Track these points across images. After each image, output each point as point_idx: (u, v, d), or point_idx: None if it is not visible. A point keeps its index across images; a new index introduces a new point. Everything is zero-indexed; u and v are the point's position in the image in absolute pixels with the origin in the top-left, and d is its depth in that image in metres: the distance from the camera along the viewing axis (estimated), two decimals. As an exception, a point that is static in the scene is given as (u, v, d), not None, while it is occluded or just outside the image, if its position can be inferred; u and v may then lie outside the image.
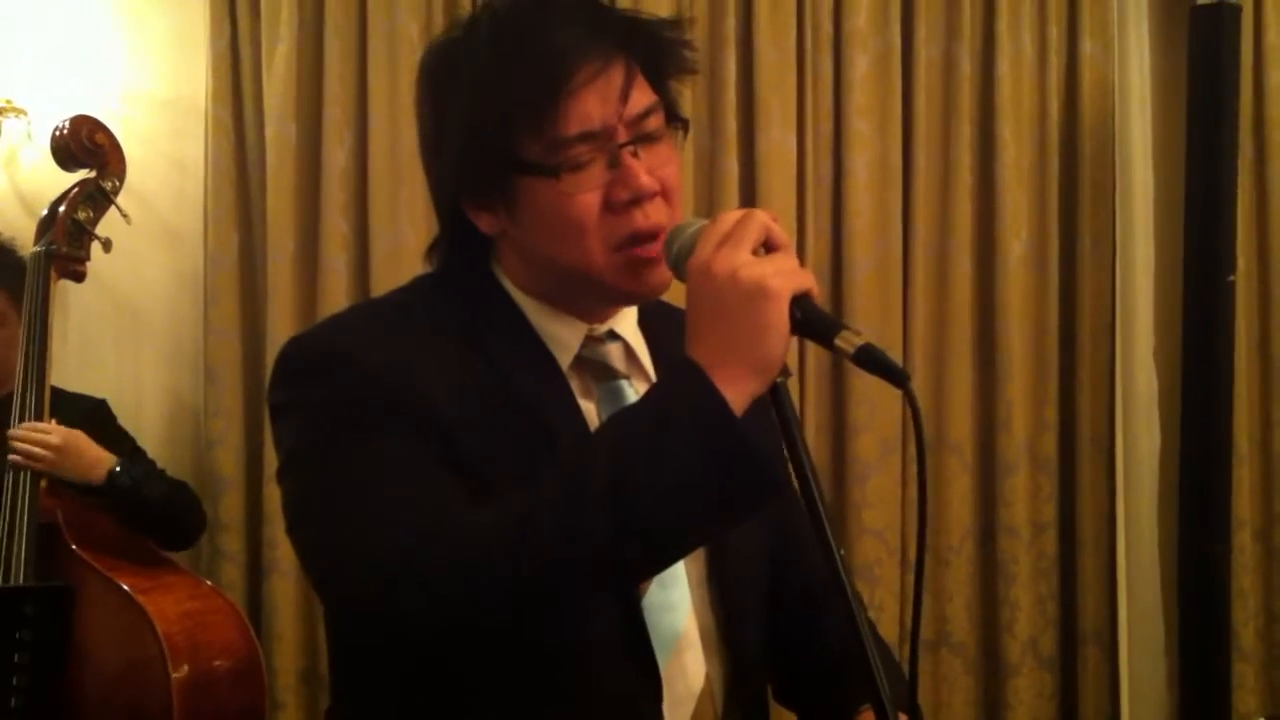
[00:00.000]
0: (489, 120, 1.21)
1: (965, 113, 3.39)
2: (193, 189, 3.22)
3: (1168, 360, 3.45)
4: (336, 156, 3.17)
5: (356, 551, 1.14)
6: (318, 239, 3.18)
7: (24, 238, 3.06)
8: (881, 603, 3.34)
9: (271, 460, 3.10)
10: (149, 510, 2.67)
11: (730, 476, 1.07)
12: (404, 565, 1.10)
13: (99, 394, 2.89)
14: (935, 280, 3.40)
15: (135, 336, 3.24)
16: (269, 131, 3.17)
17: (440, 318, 1.29)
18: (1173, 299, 3.44)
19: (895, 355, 3.29)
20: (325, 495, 1.19)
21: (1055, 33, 3.44)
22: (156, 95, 3.23)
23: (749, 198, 3.32)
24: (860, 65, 3.34)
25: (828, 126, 3.36)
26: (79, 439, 2.61)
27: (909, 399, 1.08)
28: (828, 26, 3.35)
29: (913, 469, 3.37)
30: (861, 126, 3.34)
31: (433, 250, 1.37)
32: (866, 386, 3.33)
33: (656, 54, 1.27)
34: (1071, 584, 3.48)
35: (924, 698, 3.38)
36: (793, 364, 3.26)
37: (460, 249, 1.34)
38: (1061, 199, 3.47)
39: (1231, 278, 3.26)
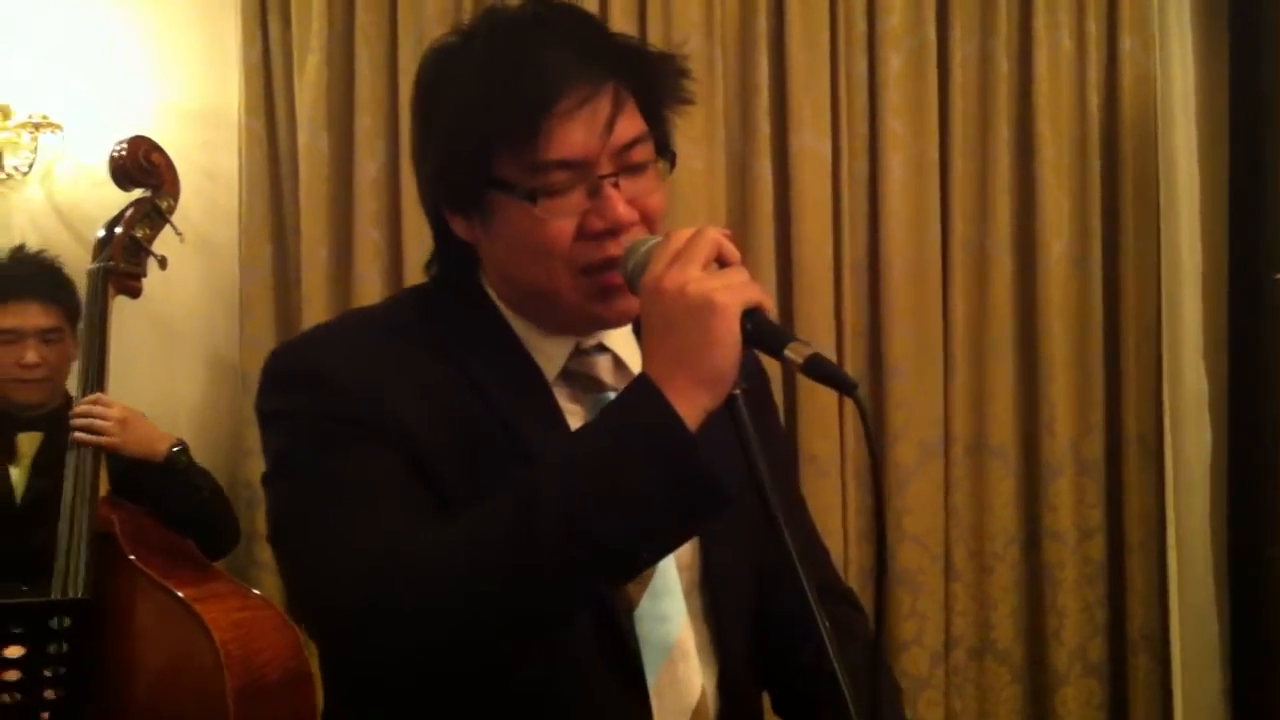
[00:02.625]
0: (471, 134, 1.21)
1: (1003, 111, 3.34)
2: (226, 200, 3.25)
3: (1214, 360, 3.37)
4: (368, 166, 3.18)
5: (319, 573, 1.16)
6: (351, 249, 3.19)
7: (60, 250, 3.11)
8: (925, 610, 3.28)
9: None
10: (198, 498, 2.73)
11: (679, 491, 1.08)
12: (360, 588, 1.11)
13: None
14: (974, 281, 3.35)
15: (171, 348, 3.26)
16: (301, 141, 3.18)
17: (422, 331, 1.28)
18: (1219, 298, 3.36)
19: (935, 357, 3.28)
20: (294, 513, 1.21)
21: (1094, 28, 3.38)
22: (190, 107, 3.26)
23: (782, 201, 3.28)
24: (894, 64, 3.30)
25: (862, 127, 3.32)
26: (139, 415, 2.69)
27: (859, 407, 1.09)
28: (861, 25, 3.31)
29: (955, 473, 3.32)
30: (896, 126, 3.30)
31: (430, 262, 1.38)
32: (905, 391, 3.28)
33: (651, 83, 1.26)
34: (1120, 590, 3.41)
35: (968, 706, 3.32)
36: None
37: (450, 260, 1.34)
38: (1104, 197, 3.40)
39: (1278, 276, 3.18)
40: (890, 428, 3.29)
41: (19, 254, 2.91)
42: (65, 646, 2.15)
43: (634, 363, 1.34)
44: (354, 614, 1.11)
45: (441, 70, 1.26)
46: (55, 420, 2.80)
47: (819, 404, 3.23)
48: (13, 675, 2.08)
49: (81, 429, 2.60)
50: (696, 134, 3.19)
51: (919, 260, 3.31)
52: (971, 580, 3.34)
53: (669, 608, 1.28)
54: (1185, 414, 3.38)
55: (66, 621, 2.19)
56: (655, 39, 3.22)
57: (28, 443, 2.81)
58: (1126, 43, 3.40)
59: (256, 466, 3.14)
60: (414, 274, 3.13)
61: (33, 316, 2.79)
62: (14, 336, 2.77)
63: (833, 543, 3.18)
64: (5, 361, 2.77)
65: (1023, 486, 3.38)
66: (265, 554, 3.13)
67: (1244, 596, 3.26)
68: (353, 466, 1.18)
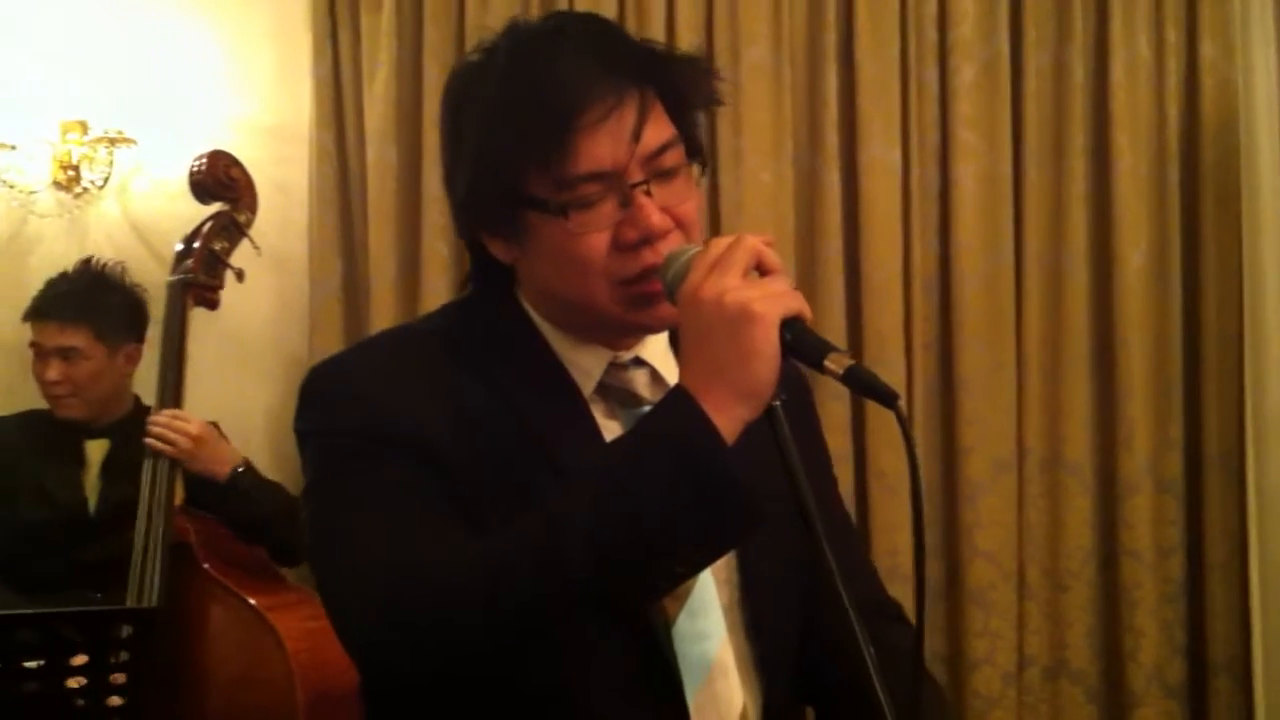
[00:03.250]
0: (498, 153, 1.19)
1: (1078, 120, 3.28)
2: (297, 215, 3.28)
3: (1299, 374, 3.28)
4: (436, 180, 3.16)
5: (347, 589, 1.16)
6: (418, 262, 3.21)
7: (134, 263, 3.16)
8: (998, 629, 3.23)
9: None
10: (261, 515, 2.75)
11: (712, 507, 1.06)
12: (387, 606, 1.11)
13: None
14: (1049, 294, 3.29)
15: (244, 360, 3.30)
16: (370, 156, 3.21)
17: (458, 347, 1.28)
18: (1305, 310, 3.27)
19: (1008, 371, 3.23)
20: (326, 530, 1.22)
21: (1173, 35, 3.31)
22: (262, 122, 3.30)
23: (851, 213, 3.25)
24: (966, 74, 3.25)
25: (933, 138, 3.28)
26: (213, 433, 2.74)
27: (899, 419, 1.06)
28: (932, 35, 3.27)
29: (1029, 489, 3.26)
30: (968, 137, 3.25)
31: (469, 278, 1.37)
32: (976, 405, 3.23)
33: (678, 86, 1.24)
34: (1200, 611, 3.32)
35: (1041, 727, 3.26)
36: (900, 386, 3.20)
37: (485, 276, 1.33)
38: (1183, 208, 3.33)
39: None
40: (961, 442, 3.24)
41: (81, 267, 2.94)
42: (126, 655, 2.17)
43: (670, 376, 1.32)
44: (379, 629, 1.11)
45: (465, 91, 1.25)
46: (123, 428, 2.87)
47: (887, 418, 3.15)
48: (78, 682, 2.11)
49: (156, 437, 2.64)
50: (765, 146, 3.17)
51: (991, 273, 3.26)
52: (1045, 598, 3.28)
53: (707, 625, 1.26)
54: (1268, 430, 3.28)
55: (130, 630, 2.21)
56: (722, 51, 3.21)
57: (96, 450, 2.87)
58: (1207, 49, 3.32)
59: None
60: (481, 287, 3.15)
61: (50, 334, 2.83)
62: (37, 351, 2.84)
63: (902, 560, 3.14)
64: (36, 374, 2.85)
65: (1099, 503, 3.31)
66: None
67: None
68: (383, 484, 1.17)
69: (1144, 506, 3.27)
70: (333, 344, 3.22)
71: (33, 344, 2.84)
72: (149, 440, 2.65)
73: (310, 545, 1.24)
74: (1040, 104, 3.29)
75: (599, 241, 1.20)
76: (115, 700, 2.17)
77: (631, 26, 3.17)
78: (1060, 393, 3.27)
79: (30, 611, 2.32)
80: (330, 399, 1.25)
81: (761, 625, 1.30)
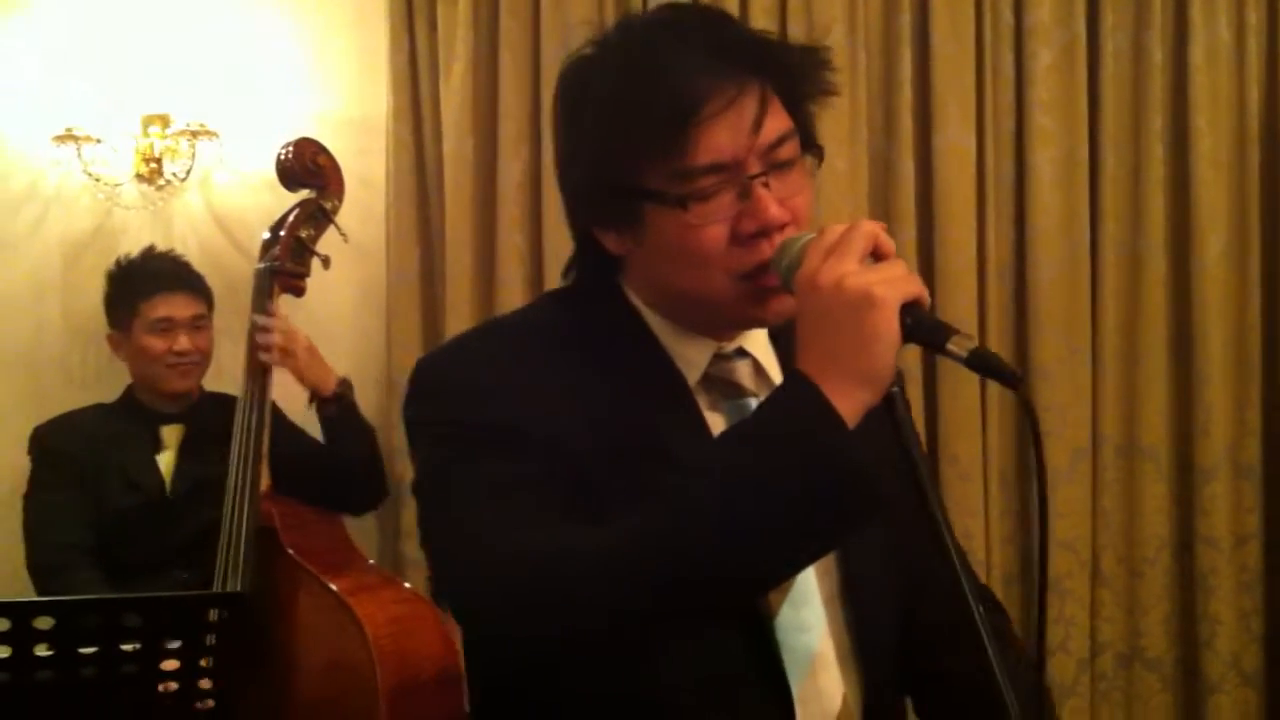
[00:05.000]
0: (617, 147, 1.20)
1: (1156, 104, 3.24)
2: (376, 205, 3.31)
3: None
4: (512, 170, 3.22)
5: (477, 574, 1.16)
6: (494, 253, 3.24)
7: (217, 253, 3.23)
8: (1073, 616, 3.23)
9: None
10: (366, 436, 2.89)
11: (837, 491, 1.06)
12: (520, 589, 1.11)
13: (291, 404, 3.00)
14: (1126, 280, 3.27)
15: (324, 348, 3.30)
16: (447, 147, 3.24)
17: (565, 337, 1.29)
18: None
19: (1084, 359, 3.22)
20: (450, 516, 1.21)
21: (1254, 18, 3.26)
22: (341, 115, 3.33)
23: (925, 200, 3.24)
24: (1044, 58, 3.23)
25: (1009, 123, 3.26)
26: (317, 349, 2.84)
27: (1024, 403, 1.07)
28: (1009, 18, 3.24)
29: (1105, 476, 3.26)
30: (1045, 122, 3.23)
31: (569, 268, 1.38)
32: (1054, 392, 3.22)
33: (792, 77, 1.24)
34: (1277, 598, 3.30)
35: (1115, 714, 3.26)
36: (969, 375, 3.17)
37: (591, 267, 1.34)
38: (1263, 193, 3.29)
39: None
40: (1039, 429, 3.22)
41: (151, 252, 3.03)
42: (217, 639, 2.22)
43: (772, 368, 1.34)
44: (508, 613, 1.12)
45: (581, 85, 1.26)
46: (196, 412, 2.95)
47: (961, 404, 3.19)
48: (171, 665, 2.16)
49: (269, 346, 2.72)
50: (840, 132, 3.16)
51: (1068, 260, 3.24)
52: (1121, 586, 3.27)
53: (809, 617, 1.27)
54: (1350, 416, 3.26)
55: (221, 614, 2.26)
56: (797, 37, 3.19)
57: (172, 435, 2.94)
58: (1289, 32, 3.27)
59: (405, 465, 3.21)
60: (555, 278, 3.14)
61: (182, 306, 2.93)
62: (168, 325, 2.91)
63: (974, 545, 3.15)
64: (159, 350, 2.91)
65: (1175, 490, 3.30)
66: (415, 551, 3.21)
67: None
68: (502, 471, 1.18)
69: (1221, 493, 3.25)
70: (410, 332, 3.27)
71: (161, 319, 2.90)
72: (265, 355, 2.72)
73: (428, 531, 1.25)
74: (1118, 88, 3.26)
75: (717, 233, 1.19)
76: (205, 683, 2.22)
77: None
78: (1137, 379, 3.25)
79: (128, 596, 2.38)
80: (448, 389, 1.26)
81: (861, 617, 1.31)
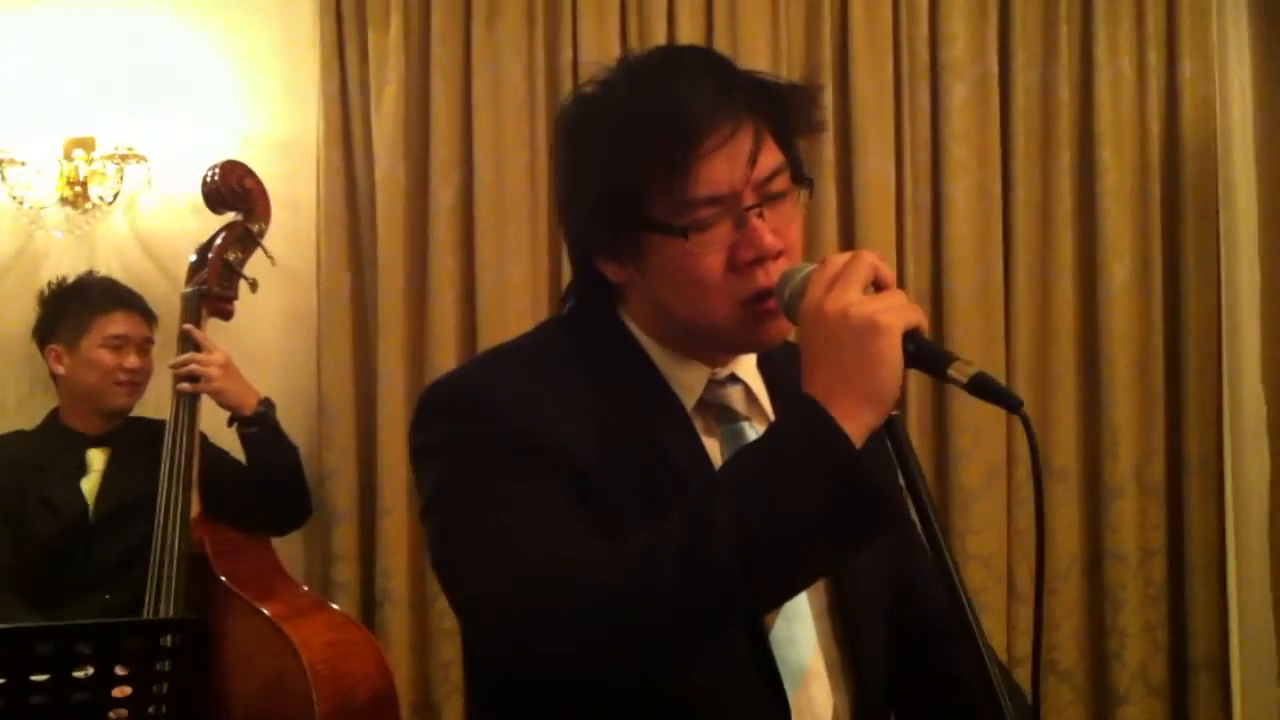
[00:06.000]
0: (621, 180, 1.25)
1: (1064, 138, 3.39)
2: (304, 229, 3.31)
3: (1278, 384, 3.41)
4: (444, 195, 3.25)
5: (493, 594, 1.18)
6: (426, 277, 3.26)
7: (143, 277, 3.20)
8: (989, 631, 3.30)
9: (385, 492, 3.20)
10: (291, 454, 2.90)
11: (851, 507, 1.10)
12: (537, 609, 1.14)
13: (220, 427, 2.98)
14: (1037, 306, 3.40)
15: (252, 373, 3.28)
16: (378, 172, 3.25)
17: (570, 362, 1.33)
18: (1281, 322, 3.40)
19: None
20: (465, 537, 1.24)
21: (1154, 56, 3.43)
22: (270, 139, 3.33)
23: (848, 227, 3.34)
24: (958, 93, 3.36)
25: (926, 155, 3.38)
26: (235, 366, 2.84)
27: (1025, 424, 1.11)
28: (924, 55, 3.37)
29: (1019, 494, 3.37)
30: (960, 153, 3.36)
31: (567, 296, 1.43)
32: (970, 414, 3.32)
33: (784, 114, 1.30)
34: (1181, 611, 3.45)
35: (1032, 726, 3.35)
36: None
37: (590, 295, 1.39)
38: (1164, 222, 3.45)
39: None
40: (955, 450, 3.34)
41: (97, 276, 3.06)
42: (170, 665, 2.21)
43: (761, 394, 1.39)
44: (520, 620, 1.14)
45: (584, 122, 1.31)
46: (121, 435, 2.94)
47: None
48: (123, 692, 2.15)
49: (186, 376, 2.75)
50: (764, 162, 3.23)
51: (982, 285, 3.36)
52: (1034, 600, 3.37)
53: (800, 631, 1.32)
54: (1245, 437, 3.42)
55: (175, 639, 2.26)
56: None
57: (97, 458, 2.92)
58: (1186, 69, 3.44)
59: (335, 489, 3.22)
60: (488, 301, 3.22)
61: (138, 326, 2.97)
62: (122, 342, 2.93)
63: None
64: (110, 366, 2.91)
65: (1085, 508, 3.43)
66: (342, 575, 3.22)
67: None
68: (518, 489, 1.21)
69: (1128, 510, 3.39)
70: (341, 356, 3.28)
71: (116, 335, 2.91)
72: (180, 384, 2.75)
73: (443, 550, 1.27)
74: (1028, 122, 3.40)
75: (716, 261, 1.25)
76: (154, 710, 2.21)
77: (634, 42, 3.25)
78: (1048, 401, 3.38)
79: (83, 623, 2.37)
80: (461, 411, 1.29)
81: (852, 630, 1.36)
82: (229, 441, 2.93)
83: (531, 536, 1.18)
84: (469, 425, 1.27)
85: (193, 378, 2.76)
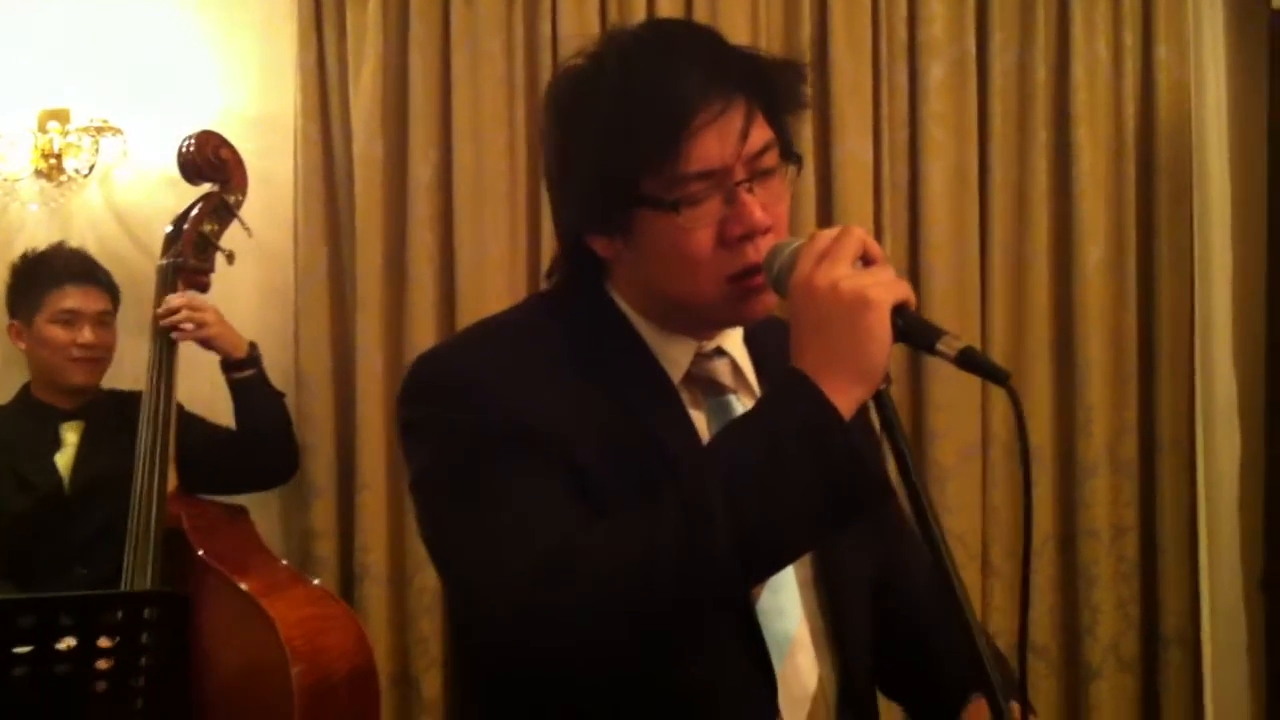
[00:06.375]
0: (614, 156, 1.25)
1: (1041, 119, 3.41)
2: (282, 205, 3.30)
3: (1249, 365, 3.45)
4: (422, 171, 3.24)
5: (483, 580, 1.19)
6: (404, 252, 3.26)
7: (118, 250, 3.18)
8: (964, 607, 3.34)
9: (363, 467, 3.21)
10: (278, 404, 2.88)
11: (842, 480, 1.12)
12: (529, 596, 1.14)
13: (197, 404, 2.98)
14: (1013, 286, 3.43)
15: None
16: (356, 148, 3.25)
17: (557, 339, 1.33)
18: (1254, 304, 3.43)
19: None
20: (453, 519, 1.24)
21: (1130, 38, 3.45)
22: (246, 113, 3.31)
23: (825, 206, 3.35)
24: (936, 73, 3.37)
25: (903, 134, 3.40)
26: (219, 312, 2.81)
27: (1012, 397, 1.11)
28: (903, 35, 3.38)
29: (994, 473, 3.40)
30: (937, 133, 3.37)
31: (552, 270, 1.43)
32: (945, 393, 3.35)
33: (774, 91, 1.30)
34: (1153, 587, 3.48)
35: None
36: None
37: (577, 270, 1.39)
38: (1138, 204, 3.47)
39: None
40: (930, 428, 3.36)
41: (60, 248, 2.99)
42: (152, 637, 2.20)
43: (747, 367, 1.40)
44: (519, 613, 1.14)
45: (574, 96, 1.31)
46: (95, 408, 2.91)
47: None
48: (106, 664, 2.14)
49: (181, 322, 2.72)
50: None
51: (958, 265, 3.39)
52: (1009, 577, 3.41)
53: (785, 602, 1.33)
54: (1216, 417, 3.45)
55: (157, 612, 2.25)
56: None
57: (72, 432, 2.89)
58: (1161, 51, 3.46)
59: (313, 464, 3.22)
60: (466, 276, 3.22)
61: (92, 300, 2.90)
62: (73, 317, 2.87)
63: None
64: (63, 341, 2.86)
65: (1059, 486, 3.46)
66: (320, 549, 3.22)
67: (1275, 594, 3.33)
68: (516, 474, 1.21)
69: (1101, 488, 3.42)
70: (319, 331, 3.27)
71: (66, 310, 2.86)
72: (178, 328, 2.72)
73: (433, 532, 1.28)
74: (1005, 102, 3.42)
75: (705, 237, 1.25)
76: (138, 682, 2.21)
77: (614, 18, 3.24)
78: (1023, 380, 3.40)
79: (66, 595, 2.35)
80: (449, 390, 1.29)
81: (836, 601, 1.37)
82: (205, 406, 2.92)
83: (523, 527, 1.18)
84: (459, 412, 1.26)
85: (183, 327, 2.73)
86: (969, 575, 3.36)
